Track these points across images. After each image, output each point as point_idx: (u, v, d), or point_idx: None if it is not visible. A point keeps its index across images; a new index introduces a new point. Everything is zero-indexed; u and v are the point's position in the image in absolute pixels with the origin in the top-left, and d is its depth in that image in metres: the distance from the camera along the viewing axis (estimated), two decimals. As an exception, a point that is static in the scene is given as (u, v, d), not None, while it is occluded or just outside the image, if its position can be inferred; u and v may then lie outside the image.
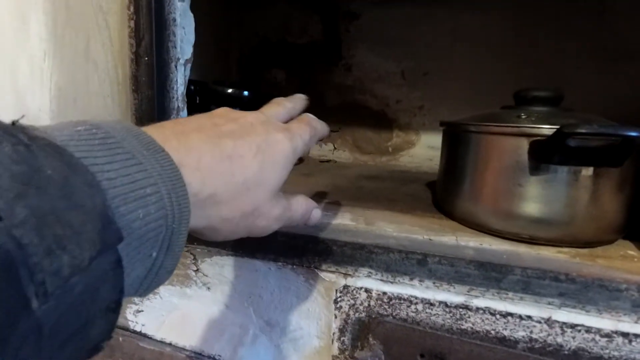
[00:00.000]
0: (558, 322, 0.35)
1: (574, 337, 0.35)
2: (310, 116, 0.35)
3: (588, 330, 0.35)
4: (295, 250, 0.42)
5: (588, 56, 0.80)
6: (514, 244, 0.41)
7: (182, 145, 0.22)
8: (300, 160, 0.94)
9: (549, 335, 0.36)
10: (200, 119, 0.26)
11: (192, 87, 0.55)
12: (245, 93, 0.60)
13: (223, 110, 0.29)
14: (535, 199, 0.39)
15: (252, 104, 0.62)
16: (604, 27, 0.78)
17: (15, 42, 0.50)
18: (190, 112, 0.51)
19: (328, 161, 0.99)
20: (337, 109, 1.01)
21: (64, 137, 0.17)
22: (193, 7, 0.49)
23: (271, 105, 0.33)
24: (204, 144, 0.23)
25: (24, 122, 0.15)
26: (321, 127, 0.35)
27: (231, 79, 1.05)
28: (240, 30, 1.04)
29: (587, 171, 0.38)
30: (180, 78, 0.48)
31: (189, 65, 0.50)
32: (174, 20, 0.45)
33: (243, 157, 0.25)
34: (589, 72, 0.80)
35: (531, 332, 0.36)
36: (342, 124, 1.01)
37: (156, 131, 0.22)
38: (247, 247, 0.44)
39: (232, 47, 1.05)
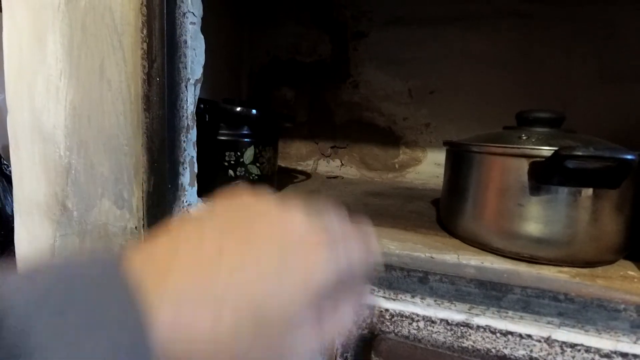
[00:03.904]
0: (558, 341, 0.36)
1: (573, 357, 0.36)
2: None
3: (587, 350, 0.36)
4: (300, 266, 0.44)
5: (595, 77, 0.82)
6: (514, 263, 0.42)
7: (165, 300, 0.17)
8: (308, 176, 0.96)
9: (548, 354, 0.37)
10: (204, 241, 0.20)
11: (202, 106, 0.58)
12: (254, 112, 0.63)
13: (242, 211, 0.22)
14: (535, 219, 0.41)
15: (261, 123, 0.65)
16: (612, 49, 0.80)
17: (32, 62, 0.54)
18: (200, 130, 0.54)
19: (335, 177, 1.01)
20: (344, 126, 1.04)
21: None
22: (204, 28, 0.52)
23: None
24: (193, 303, 0.18)
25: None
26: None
27: (242, 97, 1.08)
28: (251, 50, 1.09)
29: (587, 192, 0.39)
30: (190, 97, 0.51)
31: (198, 85, 0.53)
32: (185, 42, 0.48)
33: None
34: (596, 92, 0.82)
35: (531, 351, 0.37)
36: (349, 140, 1.04)
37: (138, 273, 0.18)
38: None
39: (242, 65, 1.09)
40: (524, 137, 0.44)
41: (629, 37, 0.79)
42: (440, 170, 0.91)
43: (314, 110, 1.06)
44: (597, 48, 0.81)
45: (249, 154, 0.63)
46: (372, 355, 0.42)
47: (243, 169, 0.63)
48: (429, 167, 0.95)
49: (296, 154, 1.09)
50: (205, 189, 0.58)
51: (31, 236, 0.58)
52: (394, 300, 0.41)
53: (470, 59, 0.90)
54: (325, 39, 1.03)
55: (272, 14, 1.06)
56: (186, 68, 0.49)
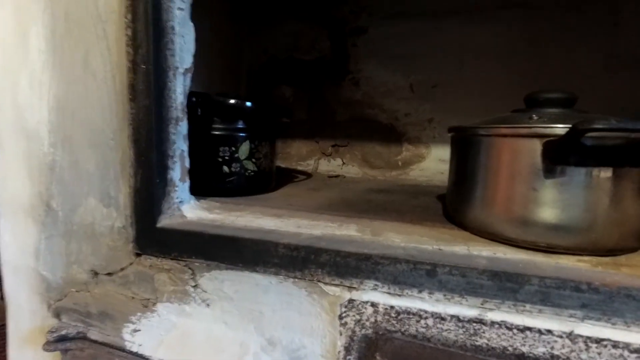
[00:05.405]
0: (581, 336, 0.33)
1: (599, 353, 0.33)
2: None
3: (615, 345, 0.33)
4: (297, 262, 0.41)
5: (601, 66, 0.79)
6: (530, 253, 0.39)
7: None
8: (309, 176, 0.93)
9: (572, 351, 0.34)
10: None
11: (194, 99, 0.56)
12: (248, 104, 0.61)
13: None
14: (551, 204, 0.38)
15: (257, 117, 0.62)
16: (617, 38, 0.78)
17: (15, 57, 0.52)
18: (192, 124, 0.52)
19: (337, 176, 0.98)
20: (346, 123, 1.02)
21: None
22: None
23: None
24: None
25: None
26: None
27: (240, 95, 1.07)
28: (249, 48, 1.07)
29: (606, 172, 0.36)
30: (179, 87, 0.49)
31: (189, 75, 0.51)
32: (173, 28, 0.46)
33: None
34: (602, 81, 0.79)
35: (552, 348, 0.34)
36: (351, 138, 1.01)
37: None
38: (247, 259, 0.43)
39: (241, 64, 1.07)
40: (535, 117, 0.41)
41: (635, 25, 0.77)
42: (445, 167, 0.88)
43: (314, 108, 1.04)
44: (601, 37, 0.79)
45: (244, 149, 0.60)
46: (378, 357, 0.39)
47: (238, 164, 0.60)
48: (433, 164, 0.93)
49: (296, 154, 1.07)
50: (199, 186, 0.56)
51: (16, 239, 0.55)
52: (399, 296, 0.39)
53: (473, 52, 0.88)
54: (324, 35, 1.01)
55: (270, 12, 1.05)
56: (174, 56, 0.47)
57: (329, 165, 1.03)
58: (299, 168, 1.05)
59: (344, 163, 1.02)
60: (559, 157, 0.37)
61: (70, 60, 0.49)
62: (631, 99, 0.77)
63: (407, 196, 0.70)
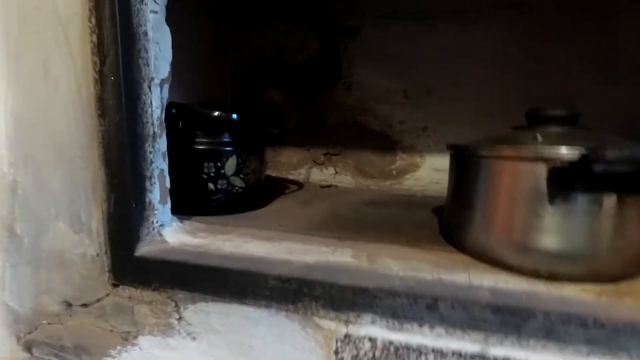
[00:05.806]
0: (587, 373, 0.34)
1: (606, 392, 0.33)
2: None
3: (621, 382, 0.33)
4: (289, 294, 0.40)
5: (594, 70, 0.80)
6: (532, 282, 0.39)
7: None
8: (300, 186, 0.92)
9: (577, 389, 0.34)
10: None
11: (174, 111, 0.53)
12: (234, 116, 0.58)
13: None
14: (554, 230, 0.38)
15: (244, 129, 0.60)
16: (608, 41, 0.79)
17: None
18: (172, 139, 0.49)
19: (329, 186, 0.97)
20: (338, 130, 1.00)
21: None
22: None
23: None
24: None
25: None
26: None
27: (226, 102, 1.03)
28: (235, 50, 1.04)
29: (611, 199, 0.36)
30: (155, 100, 0.46)
31: (166, 86, 0.48)
32: (145, 33, 0.44)
33: None
34: (596, 86, 0.80)
35: (557, 385, 0.34)
36: (343, 146, 1.00)
37: None
38: (235, 291, 0.42)
39: (227, 67, 1.04)
40: (539, 138, 0.41)
41: (624, 30, 0.78)
42: (440, 176, 0.89)
43: (305, 114, 1.02)
44: (593, 42, 0.80)
45: (230, 165, 0.58)
46: (376, 395, 0.39)
47: (225, 181, 0.58)
48: (428, 173, 0.93)
49: (287, 163, 1.04)
50: (183, 205, 0.54)
51: (-25, 266, 0.52)
52: (399, 330, 0.38)
53: (468, 56, 0.87)
54: (313, 37, 0.99)
55: (258, 13, 1.01)
56: (148, 65, 0.45)
57: (321, 175, 1.02)
58: (290, 177, 1.03)
59: (336, 172, 1.00)
60: (564, 182, 0.36)
61: (28, 68, 0.46)
62: (624, 103, 0.78)
63: (402, 209, 0.70)
